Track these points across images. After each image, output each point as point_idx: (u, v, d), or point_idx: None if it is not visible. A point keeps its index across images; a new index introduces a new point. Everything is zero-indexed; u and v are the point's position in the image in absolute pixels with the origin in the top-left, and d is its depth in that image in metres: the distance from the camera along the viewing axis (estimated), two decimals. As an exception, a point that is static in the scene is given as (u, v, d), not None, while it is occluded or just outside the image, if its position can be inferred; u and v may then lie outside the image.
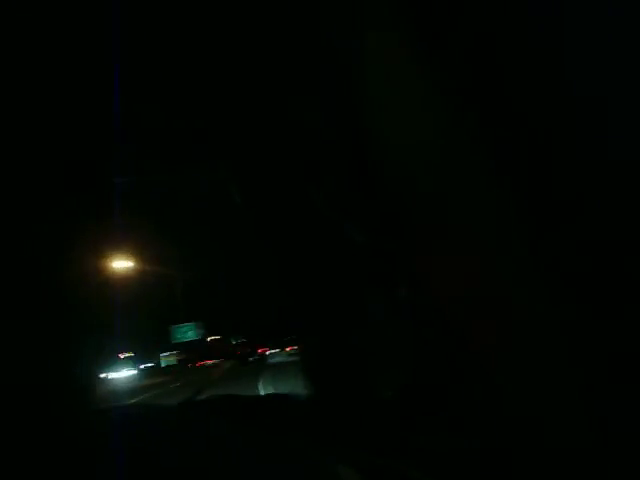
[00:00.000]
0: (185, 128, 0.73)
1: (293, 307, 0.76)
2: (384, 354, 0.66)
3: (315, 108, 0.53)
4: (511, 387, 0.41)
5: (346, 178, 0.55)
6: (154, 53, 0.61)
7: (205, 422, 0.50)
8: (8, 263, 0.47)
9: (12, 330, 0.47)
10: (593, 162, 0.36)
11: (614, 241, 0.36)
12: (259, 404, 0.80)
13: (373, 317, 0.65)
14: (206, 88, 0.63)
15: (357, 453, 0.53)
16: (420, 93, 0.42)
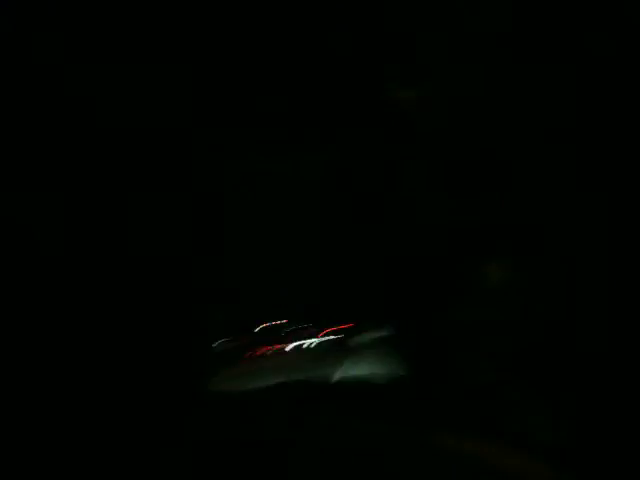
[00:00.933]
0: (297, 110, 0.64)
1: (385, 284, 0.71)
2: (490, 329, 0.57)
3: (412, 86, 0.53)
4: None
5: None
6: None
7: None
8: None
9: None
10: None
11: None
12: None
13: (478, 289, 0.57)
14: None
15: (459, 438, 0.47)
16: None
